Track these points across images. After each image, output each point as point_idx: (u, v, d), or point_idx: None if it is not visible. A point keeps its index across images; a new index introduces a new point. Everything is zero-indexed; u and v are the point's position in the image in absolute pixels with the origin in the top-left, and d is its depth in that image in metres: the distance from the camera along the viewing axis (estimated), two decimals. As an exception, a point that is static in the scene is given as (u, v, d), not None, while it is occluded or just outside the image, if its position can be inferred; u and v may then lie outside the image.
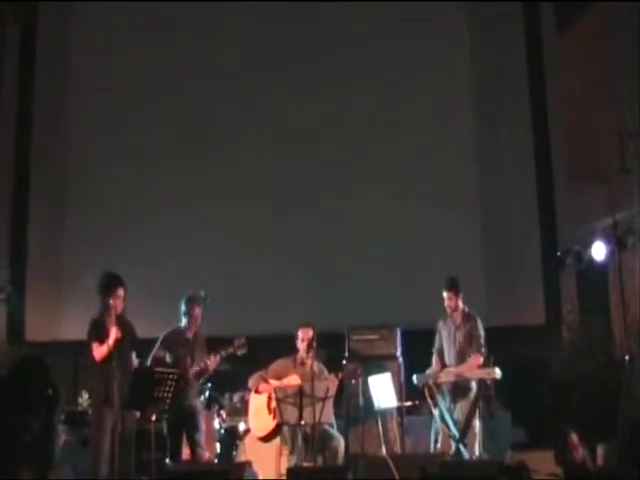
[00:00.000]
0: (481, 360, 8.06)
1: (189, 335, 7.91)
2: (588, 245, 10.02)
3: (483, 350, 8.10)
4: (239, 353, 7.79)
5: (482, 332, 8.19)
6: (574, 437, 6.38)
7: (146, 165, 11.06)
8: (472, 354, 8.09)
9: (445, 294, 8.26)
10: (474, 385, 8.00)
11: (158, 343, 7.88)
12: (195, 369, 7.74)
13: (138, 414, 7.25)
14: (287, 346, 8.27)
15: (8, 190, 11.25)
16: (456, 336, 8.23)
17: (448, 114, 11.06)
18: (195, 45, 11.25)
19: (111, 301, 7.11)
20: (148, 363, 7.74)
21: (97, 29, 11.37)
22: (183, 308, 7.98)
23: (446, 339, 8.32)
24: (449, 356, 8.26)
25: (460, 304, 8.27)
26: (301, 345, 8.10)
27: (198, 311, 7.92)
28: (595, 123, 11.11)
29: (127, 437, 6.99)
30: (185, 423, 7.74)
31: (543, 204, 10.90)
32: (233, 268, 10.57)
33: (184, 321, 7.95)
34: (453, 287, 8.26)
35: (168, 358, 7.81)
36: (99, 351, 6.99)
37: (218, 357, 7.76)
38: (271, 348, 8.38)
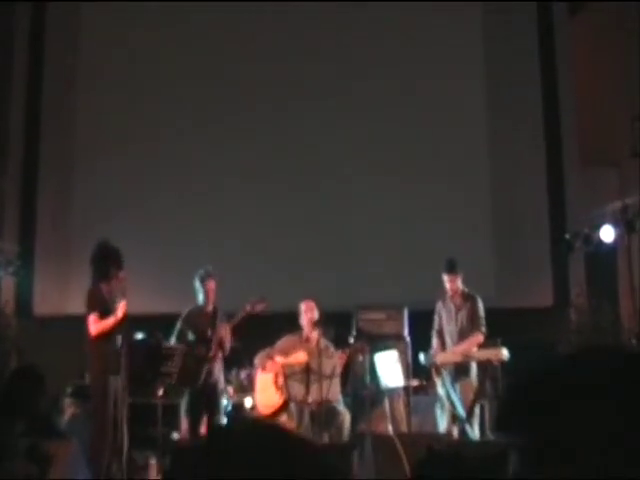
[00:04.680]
0: (481, 339, 8.13)
1: (208, 310, 7.92)
2: (597, 228, 9.99)
3: (483, 329, 8.17)
4: (258, 309, 7.74)
5: (482, 312, 8.24)
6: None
7: (155, 140, 11.04)
8: (473, 333, 8.14)
9: (446, 277, 8.28)
10: (474, 365, 8.06)
11: (179, 322, 7.88)
12: (213, 340, 7.73)
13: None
14: (294, 324, 8.31)
15: (17, 164, 11.25)
16: (458, 317, 8.27)
17: (459, 97, 11.01)
18: (204, 30, 11.22)
19: (120, 274, 7.13)
20: (172, 340, 7.76)
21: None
22: (197, 285, 7.98)
23: (446, 320, 8.35)
24: (450, 337, 8.30)
25: (460, 285, 8.30)
26: (305, 317, 8.12)
27: (212, 284, 7.93)
28: (606, 106, 11.06)
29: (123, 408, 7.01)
30: (208, 401, 7.74)
31: (553, 187, 10.88)
32: (241, 248, 10.57)
33: (201, 298, 7.96)
34: (453, 269, 8.28)
35: (190, 335, 7.83)
36: (100, 325, 6.96)
37: (234, 322, 7.73)
38: (279, 326, 8.41)
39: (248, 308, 7.71)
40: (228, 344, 7.85)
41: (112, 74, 11.24)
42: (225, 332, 7.76)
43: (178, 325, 7.86)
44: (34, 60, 11.37)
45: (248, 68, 11.13)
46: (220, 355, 7.84)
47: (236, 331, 7.98)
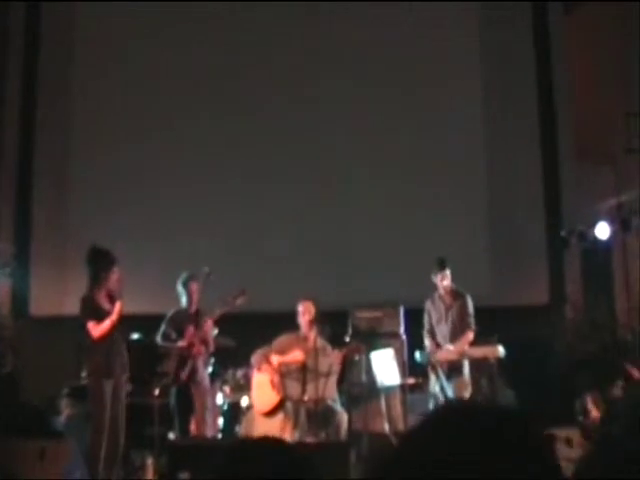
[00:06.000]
0: (472, 336, 8.17)
1: (192, 312, 7.96)
2: (592, 225, 10.00)
3: (473, 327, 8.20)
4: (238, 303, 7.79)
5: (472, 309, 8.28)
6: (589, 399, 6.45)
7: (153, 141, 11.01)
8: (464, 331, 8.17)
9: (439, 275, 8.32)
10: (466, 363, 8.08)
11: (164, 323, 7.93)
12: (196, 339, 7.75)
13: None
14: (291, 323, 8.30)
15: (12, 165, 11.22)
16: (449, 316, 8.31)
17: (455, 95, 11.00)
18: (204, 30, 11.20)
19: (114, 276, 7.14)
20: (158, 340, 7.82)
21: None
22: (180, 288, 8.03)
23: (437, 319, 8.39)
24: (442, 336, 8.33)
25: (450, 283, 8.34)
26: (302, 319, 8.12)
27: (195, 286, 7.98)
28: (602, 103, 11.07)
29: (123, 408, 7.04)
30: (193, 397, 7.77)
31: (548, 184, 10.87)
32: (238, 247, 10.56)
33: (184, 301, 8.00)
34: (444, 267, 8.31)
35: (174, 336, 7.87)
36: (100, 328, 6.97)
37: (214, 316, 7.78)
38: (275, 325, 8.40)
39: (229, 302, 7.74)
40: (212, 340, 7.89)
41: (109, 73, 11.20)
42: (208, 328, 7.80)
43: (163, 326, 7.93)
44: (29, 59, 11.33)
45: (247, 68, 11.10)
46: (204, 352, 7.87)
47: (219, 325, 8.02)
